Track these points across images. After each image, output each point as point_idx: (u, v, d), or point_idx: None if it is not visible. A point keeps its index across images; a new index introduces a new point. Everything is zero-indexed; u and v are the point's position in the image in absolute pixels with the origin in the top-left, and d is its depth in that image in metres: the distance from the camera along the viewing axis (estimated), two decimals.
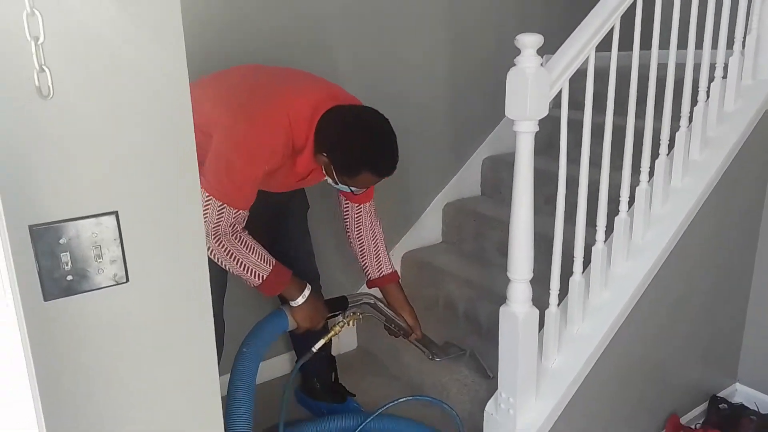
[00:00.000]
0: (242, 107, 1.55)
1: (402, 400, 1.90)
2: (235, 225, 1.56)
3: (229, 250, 1.55)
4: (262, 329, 1.68)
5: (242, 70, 1.74)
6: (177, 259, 0.84)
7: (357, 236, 1.92)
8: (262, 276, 1.59)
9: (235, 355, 1.63)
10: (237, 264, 1.57)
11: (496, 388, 1.74)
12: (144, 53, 0.76)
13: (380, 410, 1.84)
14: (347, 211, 1.91)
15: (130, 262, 0.80)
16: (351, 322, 1.82)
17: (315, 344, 1.77)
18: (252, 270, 1.58)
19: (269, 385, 2.33)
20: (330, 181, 1.67)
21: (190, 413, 0.91)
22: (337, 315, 1.79)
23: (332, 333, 1.78)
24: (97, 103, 0.74)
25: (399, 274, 2.64)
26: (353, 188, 1.67)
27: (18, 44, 0.67)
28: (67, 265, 0.76)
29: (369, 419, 1.88)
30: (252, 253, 1.59)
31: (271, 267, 1.61)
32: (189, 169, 0.82)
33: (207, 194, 1.50)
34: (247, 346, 1.63)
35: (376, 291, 1.97)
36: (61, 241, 0.75)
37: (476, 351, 2.08)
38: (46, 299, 0.75)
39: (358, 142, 1.56)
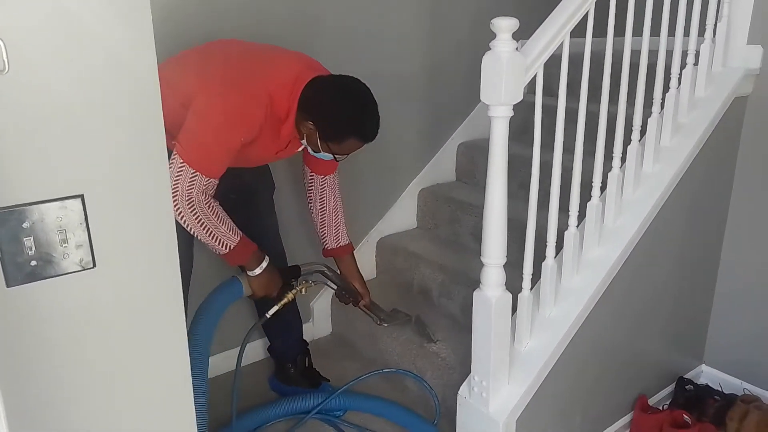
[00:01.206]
0: (222, 78, 1.60)
1: (373, 374, 2.10)
2: (206, 192, 1.60)
3: (200, 219, 1.59)
4: (217, 296, 1.74)
5: (220, 45, 1.75)
6: (145, 243, 0.82)
7: (320, 207, 1.99)
8: (230, 246, 1.66)
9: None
10: (206, 232, 1.61)
11: (470, 372, 1.75)
12: (109, 26, 0.73)
13: (350, 384, 2.01)
14: (312, 182, 1.98)
15: (97, 246, 0.78)
16: (303, 290, 1.90)
17: (269, 310, 1.85)
18: (220, 240, 1.64)
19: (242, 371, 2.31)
20: (310, 149, 1.74)
21: (160, 400, 0.90)
22: (291, 283, 1.88)
23: (285, 300, 1.87)
24: (58, 79, 0.71)
25: (374, 258, 2.68)
26: (336, 155, 1.72)
27: None
28: (30, 250, 0.73)
29: (336, 393, 2.01)
30: (222, 224, 1.64)
31: (238, 238, 1.68)
32: (157, 151, 0.80)
33: (181, 161, 1.54)
34: (201, 313, 1.68)
35: (329, 261, 2.07)
36: (25, 225, 0.73)
37: (422, 317, 2.20)
38: (8, 285, 0.73)
39: (345, 109, 1.64)
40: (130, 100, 0.77)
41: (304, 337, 2.25)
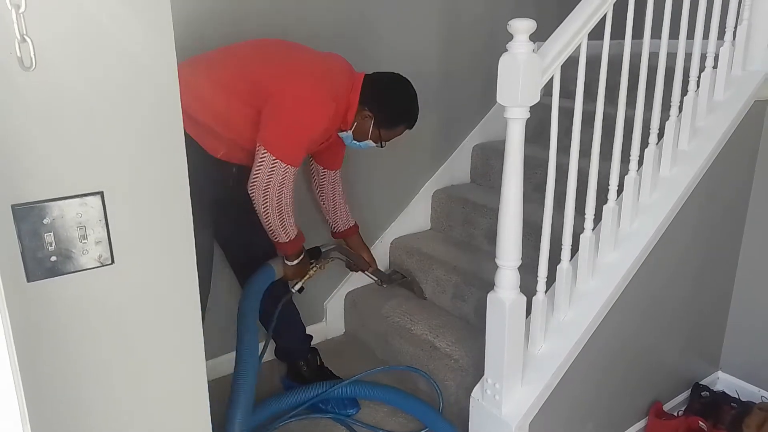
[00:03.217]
0: (300, 72, 1.76)
1: (379, 370, 2.20)
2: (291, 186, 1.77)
3: (282, 211, 1.78)
4: (257, 278, 1.95)
5: (270, 43, 1.89)
6: (163, 240, 0.83)
7: (332, 198, 2.22)
8: (290, 236, 1.86)
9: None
10: (280, 222, 1.80)
11: (483, 374, 1.75)
12: (130, 28, 0.74)
13: (356, 377, 2.11)
14: (324, 178, 2.20)
15: (116, 243, 0.79)
16: (323, 266, 2.16)
17: (295, 286, 2.07)
18: (287, 229, 1.83)
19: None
20: (352, 137, 1.93)
21: (176, 395, 0.90)
22: (311, 261, 2.10)
23: (307, 276, 2.09)
24: (82, 77, 0.72)
25: (388, 259, 2.68)
26: (383, 141, 1.94)
27: None
28: (51, 245, 0.75)
29: (339, 385, 2.07)
30: (291, 217, 1.83)
31: (296, 231, 1.88)
32: (176, 149, 0.81)
33: (274, 158, 1.70)
34: (245, 298, 1.90)
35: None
36: (45, 221, 0.74)
37: (414, 278, 2.53)
38: (29, 280, 0.74)
39: (402, 100, 1.92)
40: (149, 101, 0.78)
41: (317, 338, 2.27)
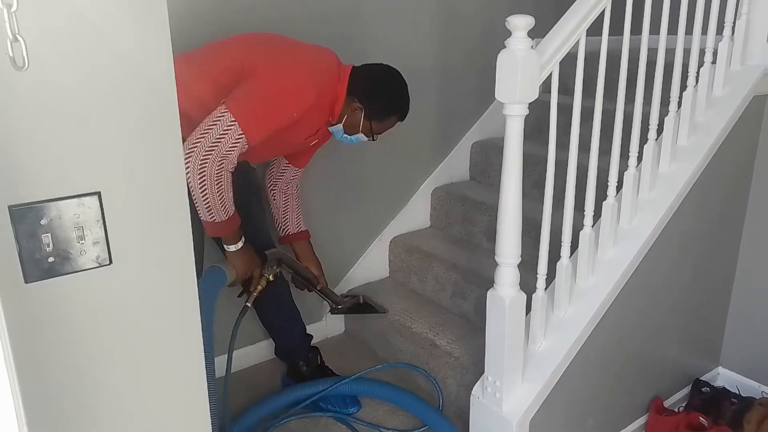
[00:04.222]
0: (284, 54, 1.74)
1: (379, 368, 2.21)
2: (237, 157, 1.64)
3: (220, 181, 1.61)
4: (202, 287, 1.75)
5: (256, 34, 1.86)
6: (161, 240, 0.82)
7: (284, 195, 2.13)
8: (229, 213, 1.68)
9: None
10: (215, 194, 1.61)
11: (483, 372, 1.75)
12: (126, 26, 0.73)
13: (356, 375, 2.08)
14: (283, 173, 2.10)
15: (114, 243, 0.78)
16: (271, 276, 1.92)
17: (248, 300, 1.89)
18: (220, 205, 1.65)
19: (249, 371, 2.33)
20: (343, 131, 1.88)
21: (175, 397, 0.90)
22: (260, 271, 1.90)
23: (259, 287, 1.89)
24: (77, 77, 0.72)
25: (387, 257, 2.68)
26: (374, 134, 1.89)
27: None
28: (48, 246, 0.74)
29: (343, 382, 2.05)
30: (228, 192, 1.66)
31: (233, 210, 1.70)
32: (172, 148, 0.80)
33: (232, 118, 1.59)
34: None
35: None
36: (42, 221, 0.73)
37: (366, 296, 2.40)
38: (27, 281, 0.74)
39: (391, 91, 1.88)
40: (145, 100, 0.77)
41: (317, 337, 2.25)
